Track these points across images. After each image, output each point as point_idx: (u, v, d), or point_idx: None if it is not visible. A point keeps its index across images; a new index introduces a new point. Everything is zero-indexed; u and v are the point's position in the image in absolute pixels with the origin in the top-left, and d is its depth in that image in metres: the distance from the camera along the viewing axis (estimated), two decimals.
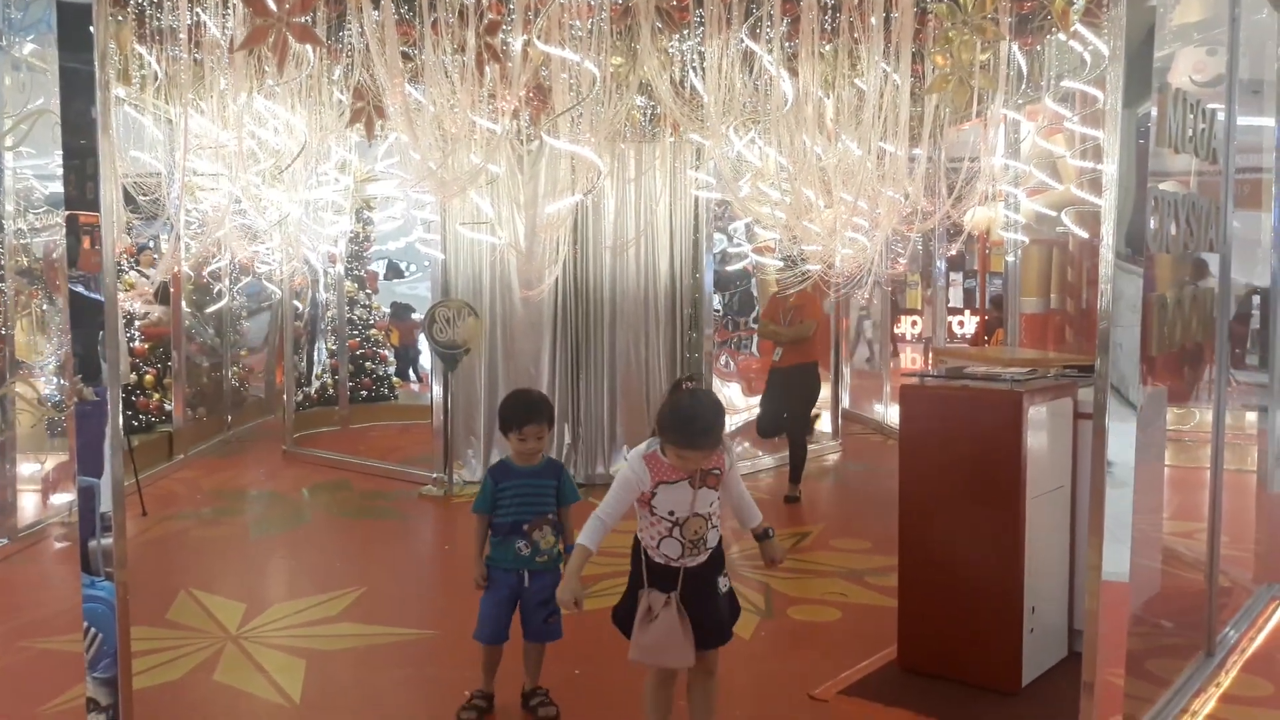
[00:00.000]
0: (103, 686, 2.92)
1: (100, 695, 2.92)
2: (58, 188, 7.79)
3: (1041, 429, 3.89)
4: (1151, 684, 3.72)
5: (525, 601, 3.62)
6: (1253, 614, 4.60)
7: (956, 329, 15.82)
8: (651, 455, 3.01)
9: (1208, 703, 3.73)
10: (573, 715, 3.64)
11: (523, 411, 3.63)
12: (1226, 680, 3.95)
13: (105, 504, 2.94)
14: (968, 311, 16.83)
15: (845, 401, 10.35)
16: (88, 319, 2.96)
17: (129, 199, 6.60)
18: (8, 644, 4.50)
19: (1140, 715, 3.43)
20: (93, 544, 2.93)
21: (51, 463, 7.41)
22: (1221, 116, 4.06)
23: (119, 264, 8.45)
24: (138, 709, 2.98)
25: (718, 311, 12.99)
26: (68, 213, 2.93)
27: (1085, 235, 7.90)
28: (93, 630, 2.92)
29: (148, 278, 8.90)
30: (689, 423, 2.94)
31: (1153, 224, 3.20)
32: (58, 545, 6.17)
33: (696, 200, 7.89)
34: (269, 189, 6.68)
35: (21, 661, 4.31)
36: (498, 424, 3.72)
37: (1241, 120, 4.44)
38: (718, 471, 3.07)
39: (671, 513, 3.01)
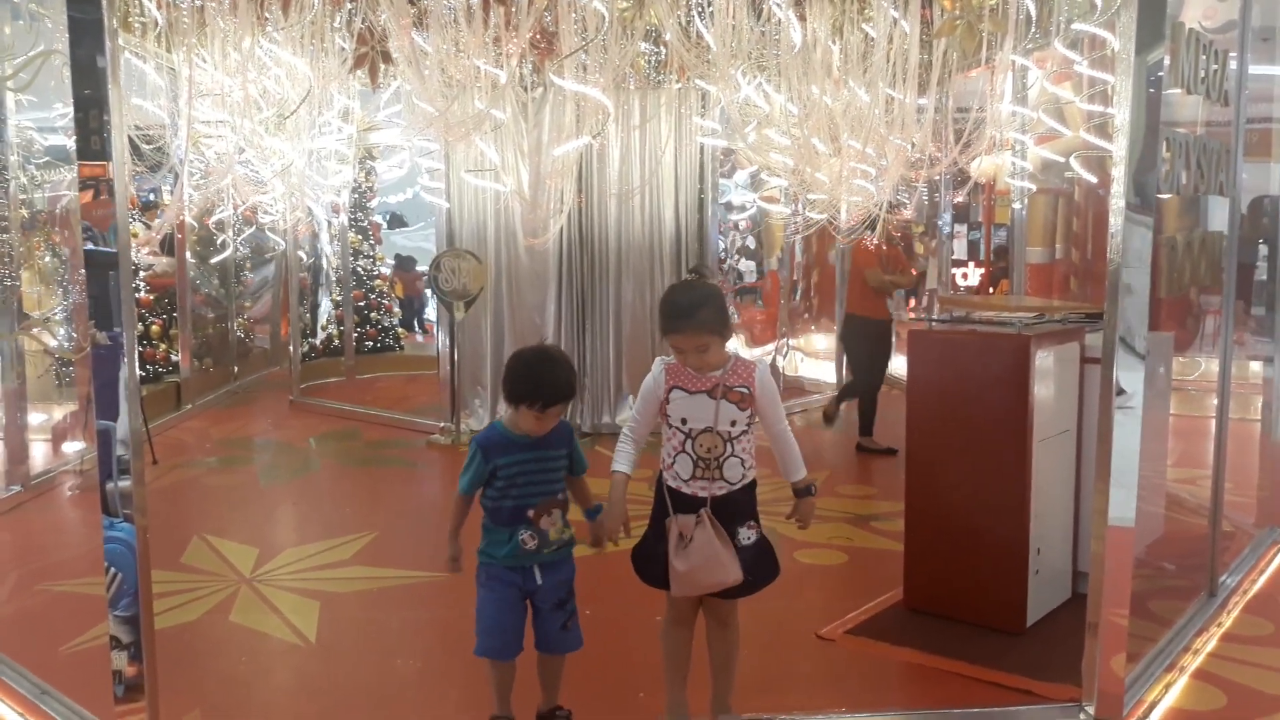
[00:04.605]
0: (124, 624, 2.96)
1: (122, 633, 2.96)
2: (59, 140, 7.79)
3: (1049, 373, 3.91)
4: (1154, 623, 3.79)
5: (537, 603, 2.98)
6: (1255, 557, 4.65)
7: (960, 281, 15.76)
8: (673, 363, 2.91)
9: (1209, 641, 3.79)
10: (585, 658, 3.65)
11: (555, 386, 2.87)
12: (1228, 620, 4.00)
13: (122, 448, 2.96)
14: (972, 263, 16.75)
15: None
16: (100, 267, 2.96)
17: (133, 148, 6.58)
18: (27, 587, 4.57)
19: (1143, 653, 3.49)
20: (110, 486, 2.96)
21: (61, 412, 7.47)
22: (1233, 64, 4.02)
23: None
24: (157, 648, 3.03)
25: (722, 260, 12.93)
26: (80, 163, 2.92)
27: (1094, 180, 7.85)
28: (113, 570, 2.96)
29: (150, 228, 8.89)
30: (670, 305, 2.89)
31: (1163, 166, 3.20)
32: (70, 493, 6.23)
33: (702, 148, 7.85)
34: (272, 137, 6.66)
35: (41, 604, 4.38)
36: (506, 392, 2.93)
37: (1252, 69, 4.40)
38: (744, 390, 2.86)
39: (684, 420, 2.86)
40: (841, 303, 9.95)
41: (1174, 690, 3.41)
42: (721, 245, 13.19)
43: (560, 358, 3.02)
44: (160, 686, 3.01)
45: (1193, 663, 3.61)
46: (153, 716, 2.98)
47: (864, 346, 7.12)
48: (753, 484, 2.96)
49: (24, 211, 7.57)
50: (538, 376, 2.89)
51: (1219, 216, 4.48)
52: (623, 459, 2.98)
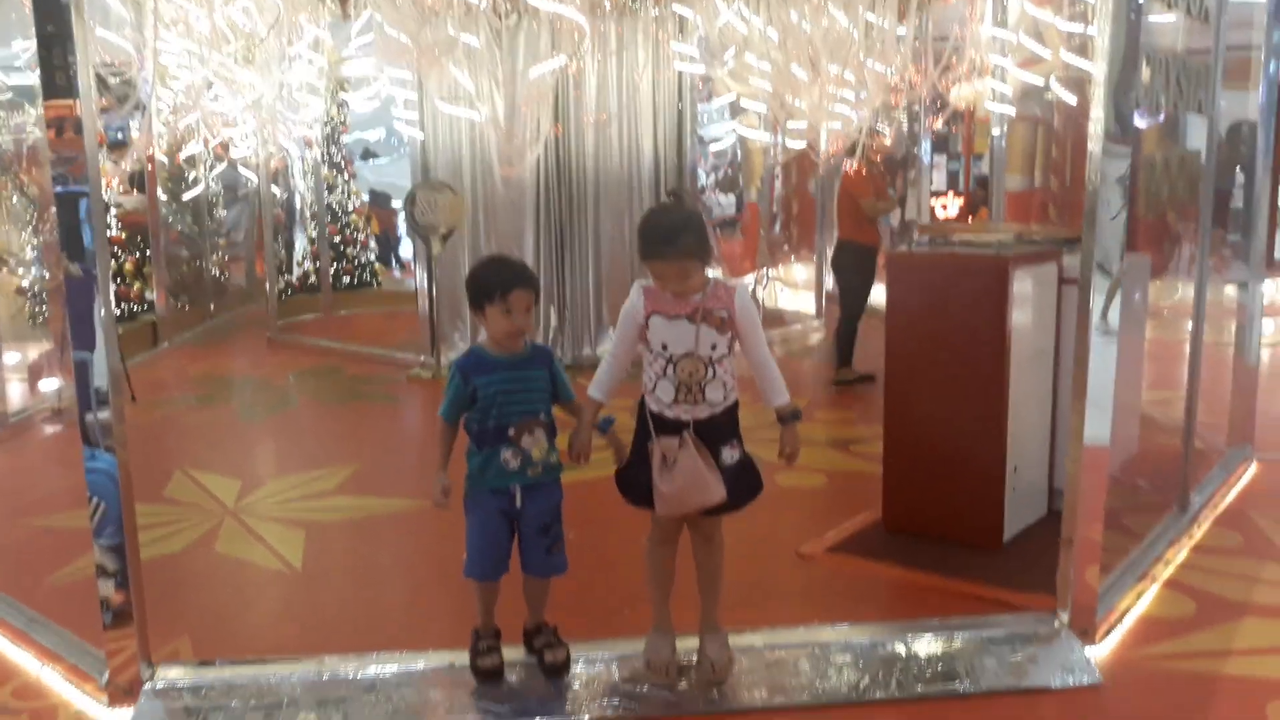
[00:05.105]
0: (109, 553, 2.97)
1: (108, 561, 2.97)
2: (22, 79, 7.60)
3: (1027, 295, 3.94)
4: (1126, 537, 3.86)
5: (522, 528, 2.99)
6: (1225, 474, 4.74)
7: (940, 212, 15.75)
8: (651, 287, 2.88)
9: (1180, 552, 3.88)
10: (571, 578, 3.65)
11: (506, 274, 2.89)
12: (1199, 533, 4.10)
13: (100, 378, 2.94)
14: (951, 193, 16.73)
15: (829, 283, 10.39)
16: (69, 204, 2.91)
17: (100, 83, 6.43)
18: (9, 522, 4.57)
19: (1115, 564, 3.57)
20: (90, 417, 2.95)
21: (35, 352, 7.41)
22: None
23: None
24: (143, 578, 3.04)
25: (702, 189, 12.85)
26: (45, 102, 2.85)
27: (1073, 101, 7.81)
28: (96, 499, 2.97)
29: (119, 165, 8.74)
30: (650, 229, 2.83)
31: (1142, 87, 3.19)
32: (48, 430, 6.21)
33: (680, 75, 7.75)
34: (242, 70, 6.53)
35: (24, 538, 4.38)
36: (471, 301, 2.94)
37: None
38: (724, 314, 2.83)
39: (665, 346, 2.84)
40: (822, 232, 9.95)
41: (1145, 598, 3.50)
42: (703, 177, 13.10)
43: (506, 255, 3.18)
44: (148, 616, 3.03)
45: (1164, 573, 3.70)
46: (142, 642, 3.01)
47: (855, 273, 7.11)
48: (735, 405, 2.96)
49: None
50: (490, 269, 2.96)
51: (1197, 137, 4.48)
52: (598, 385, 2.99)
